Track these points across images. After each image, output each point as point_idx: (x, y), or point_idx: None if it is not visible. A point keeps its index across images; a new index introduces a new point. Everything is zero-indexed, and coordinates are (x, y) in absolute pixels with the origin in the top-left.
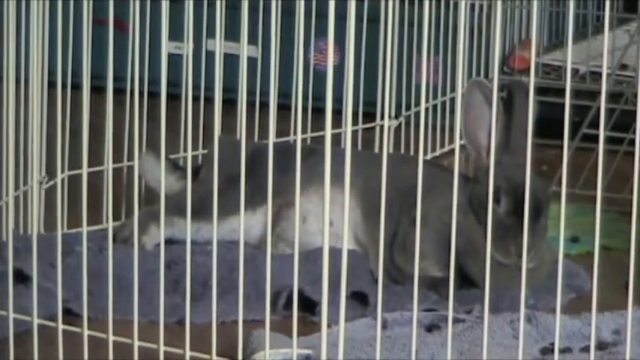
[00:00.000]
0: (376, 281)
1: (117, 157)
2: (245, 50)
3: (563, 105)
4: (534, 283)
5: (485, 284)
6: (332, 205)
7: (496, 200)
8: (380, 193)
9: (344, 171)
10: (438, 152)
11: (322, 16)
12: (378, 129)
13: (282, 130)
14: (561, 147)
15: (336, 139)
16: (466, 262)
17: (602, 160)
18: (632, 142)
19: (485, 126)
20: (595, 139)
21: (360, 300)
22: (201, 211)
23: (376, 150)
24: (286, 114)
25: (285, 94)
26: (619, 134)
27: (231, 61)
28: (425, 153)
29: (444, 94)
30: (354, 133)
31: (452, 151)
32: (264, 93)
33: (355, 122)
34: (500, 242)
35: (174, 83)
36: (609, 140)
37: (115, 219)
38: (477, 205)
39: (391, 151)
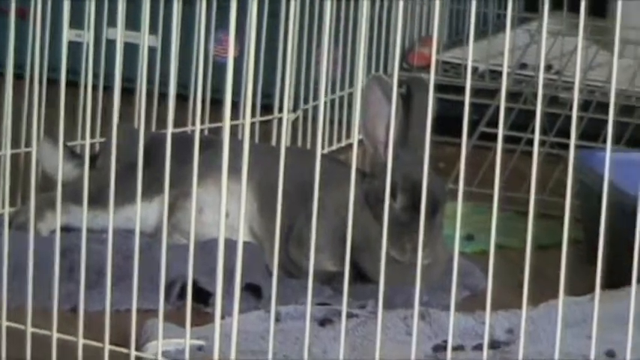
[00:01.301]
0: (271, 274)
1: (15, 143)
2: (146, 40)
3: (462, 103)
4: (429, 280)
5: (379, 280)
6: (229, 197)
7: (392, 196)
8: (277, 186)
9: (241, 163)
10: (335, 147)
11: (223, 7)
12: (275, 122)
13: (181, 120)
14: (459, 144)
15: (234, 131)
16: (361, 257)
17: (499, 158)
18: (530, 142)
19: (384, 121)
20: (493, 137)
21: (254, 292)
22: (98, 199)
23: (274, 143)
24: (185, 104)
25: (184, 85)
26: (517, 133)
27: (131, 50)
28: (322, 147)
29: (342, 88)
30: (252, 125)
31: (349, 145)
32: (163, 83)
33: (253, 114)
34: (396, 238)
35: (74, 71)
36: (507, 139)
37: (11, 205)
38: (373, 201)
39: (289, 144)
